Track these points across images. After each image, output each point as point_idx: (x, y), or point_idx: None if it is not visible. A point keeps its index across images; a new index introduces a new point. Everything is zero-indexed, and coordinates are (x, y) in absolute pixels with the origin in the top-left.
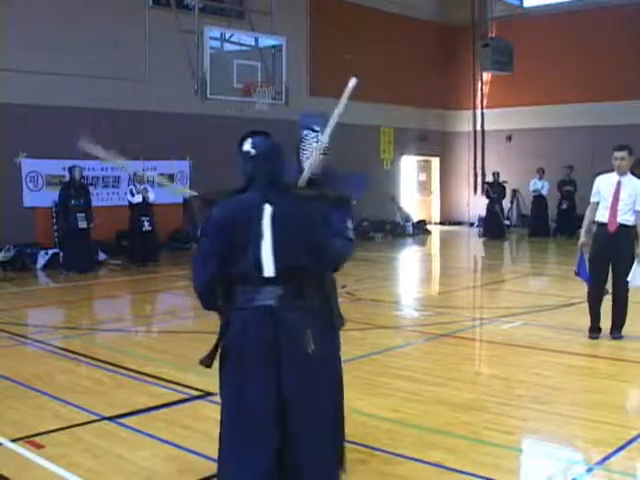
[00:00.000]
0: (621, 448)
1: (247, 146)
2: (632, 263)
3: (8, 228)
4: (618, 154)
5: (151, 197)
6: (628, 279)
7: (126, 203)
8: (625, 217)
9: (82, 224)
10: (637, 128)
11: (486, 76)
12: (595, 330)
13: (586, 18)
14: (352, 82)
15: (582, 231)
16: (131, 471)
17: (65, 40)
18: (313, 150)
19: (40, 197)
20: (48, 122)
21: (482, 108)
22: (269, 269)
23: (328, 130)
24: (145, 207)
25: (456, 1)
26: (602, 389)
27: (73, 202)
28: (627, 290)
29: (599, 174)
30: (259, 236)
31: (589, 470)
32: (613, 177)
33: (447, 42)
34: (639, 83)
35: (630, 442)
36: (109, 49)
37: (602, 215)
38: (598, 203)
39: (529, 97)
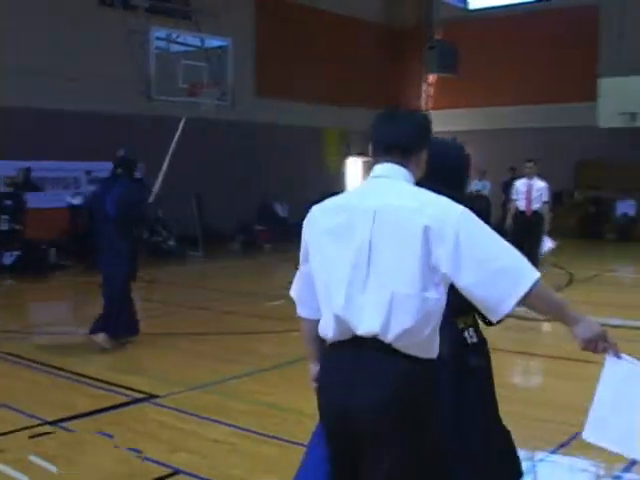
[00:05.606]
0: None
1: None
2: (541, 236)
3: None
4: (528, 164)
5: None
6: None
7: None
8: (536, 206)
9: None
10: (579, 130)
11: (432, 78)
12: None
13: (530, 21)
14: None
15: (508, 219)
16: (81, 474)
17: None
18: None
19: None
20: None
21: (428, 110)
22: None
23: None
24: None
25: (402, 4)
26: None
27: None
28: (539, 254)
29: (517, 178)
30: None
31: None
32: (525, 181)
33: (395, 44)
34: (581, 86)
35: None
36: (64, 49)
37: (522, 205)
38: (517, 200)
39: (475, 99)
